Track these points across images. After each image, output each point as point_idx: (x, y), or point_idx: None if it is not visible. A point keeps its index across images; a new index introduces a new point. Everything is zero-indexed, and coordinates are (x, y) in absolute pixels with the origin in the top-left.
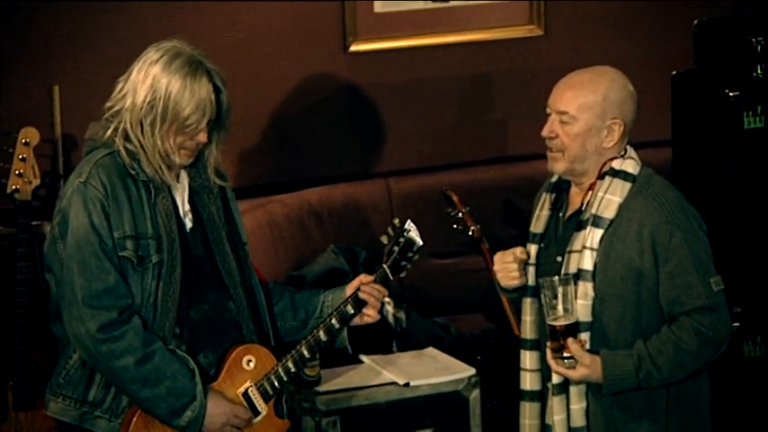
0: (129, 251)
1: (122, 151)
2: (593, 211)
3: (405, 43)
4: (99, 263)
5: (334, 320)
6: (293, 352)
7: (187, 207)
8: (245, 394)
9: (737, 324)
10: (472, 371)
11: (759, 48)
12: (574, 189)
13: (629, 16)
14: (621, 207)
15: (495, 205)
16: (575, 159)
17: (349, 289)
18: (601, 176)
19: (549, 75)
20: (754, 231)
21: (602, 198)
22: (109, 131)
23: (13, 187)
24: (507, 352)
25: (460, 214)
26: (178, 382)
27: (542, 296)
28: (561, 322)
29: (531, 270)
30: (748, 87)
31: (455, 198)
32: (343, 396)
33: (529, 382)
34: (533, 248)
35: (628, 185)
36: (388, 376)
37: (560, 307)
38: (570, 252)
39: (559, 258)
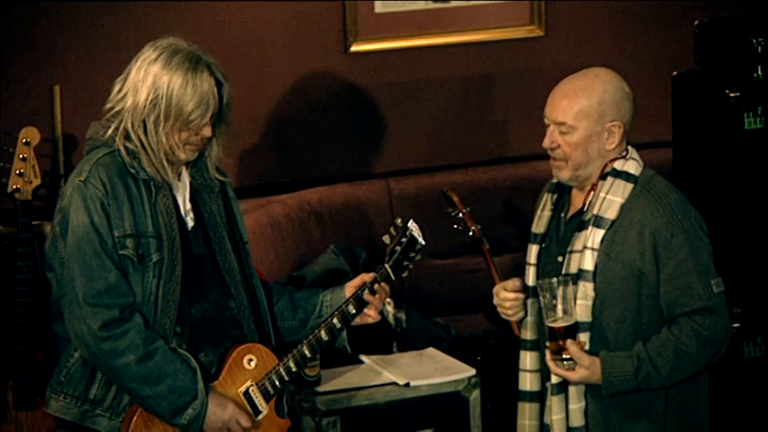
0: (129, 250)
1: (122, 150)
2: (595, 211)
3: (406, 44)
4: (100, 261)
5: (335, 320)
6: (294, 351)
7: (188, 206)
8: (246, 393)
9: (738, 325)
10: (472, 371)
11: (760, 49)
12: (575, 189)
13: (629, 17)
14: (623, 208)
15: (496, 206)
16: (579, 166)
17: (349, 288)
18: (603, 177)
19: (549, 75)
20: (754, 232)
21: (604, 199)
22: (110, 131)
23: (14, 187)
24: (507, 352)
25: (461, 214)
26: (179, 381)
27: (541, 297)
28: (560, 323)
29: (533, 270)
30: (749, 88)
31: (455, 198)
32: (344, 396)
33: (528, 382)
34: (535, 248)
35: (629, 186)
36: (388, 376)
37: (559, 308)
38: (571, 252)
39: (560, 259)
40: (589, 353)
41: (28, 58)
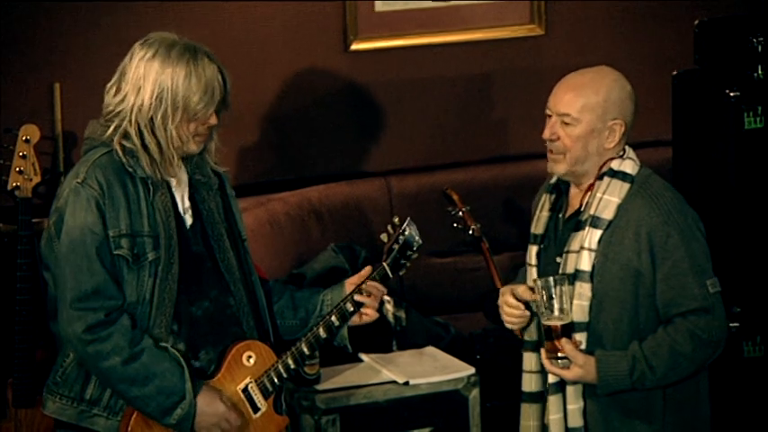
0: (124, 250)
1: (119, 150)
2: (592, 211)
3: (406, 42)
4: (89, 264)
5: (333, 318)
6: (293, 349)
7: (187, 203)
8: (245, 390)
9: (737, 324)
10: (472, 370)
11: (760, 48)
12: (573, 190)
13: (629, 16)
14: (620, 208)
15: (496, 204)
16: (576, 161)
17: (349, 284)
18: (599, 177)
19: (549, 74)
20: (754, 231)
21: (601, 199)
22: (109, 131)
23: (14, 184)
24: (507, 351)
25: (461, 213)
26: (167, 381)
27: (537, 296)
28: (556, 323)
29: (533, 271)
30: (749, 88)
31: (455, 197)
32: (343, 394)
33: (530, 383)
34: (534, 249)
35: (626, 186)
36: (387, 375)
37: (555, 307)
38: (568, 252)
39: (558, 259)
40: (585, 353)
41: (28, 56)
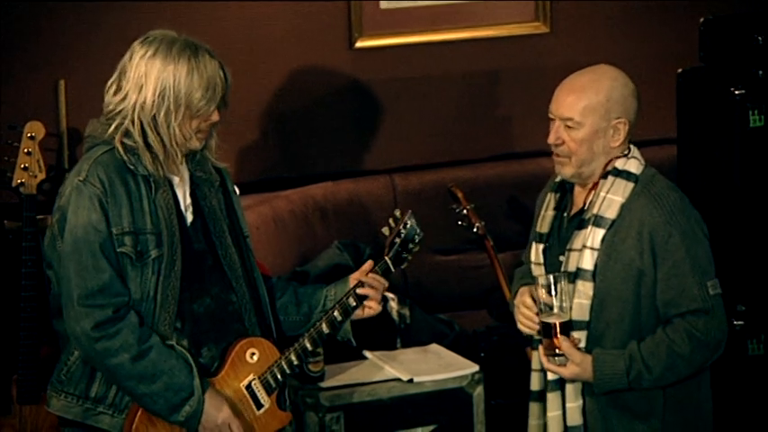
0: (127, 247)
1: (119, 148)
2: (595, 210)
3: (410, 40)
4: (95, 261)
5: (336, 313)
6: (296, 345)
7: (188, 201)
8: (249, 387)
9: (742, 322)
10: (476, 367)
11: (765, 46)
12: (578, 188)
13: (634, 14)
14: (623, 207)
15: (500, 202)
16: (583, 163)
17: (352, 280)
18: (603, 176)
19: (554, 72)
20: (758, 229)
21: (605, 198)
22: (110, 129)
23: (19, 181)
24: (511, 349)
25: (465, 211)
26: (175, 378)
27: (538, 293)
28: (554, 320)
29: (541, 270)
30: (754, 86)
31: (460, 195)
32: (347, 392)
33: (538, 382)
34: (540, 248)
35: (630, 185)
36: (391, 372)
37: (555, 305)
38: (570, 251)
39: (562, 258)
40: (585, 351)
41: (33, 53)
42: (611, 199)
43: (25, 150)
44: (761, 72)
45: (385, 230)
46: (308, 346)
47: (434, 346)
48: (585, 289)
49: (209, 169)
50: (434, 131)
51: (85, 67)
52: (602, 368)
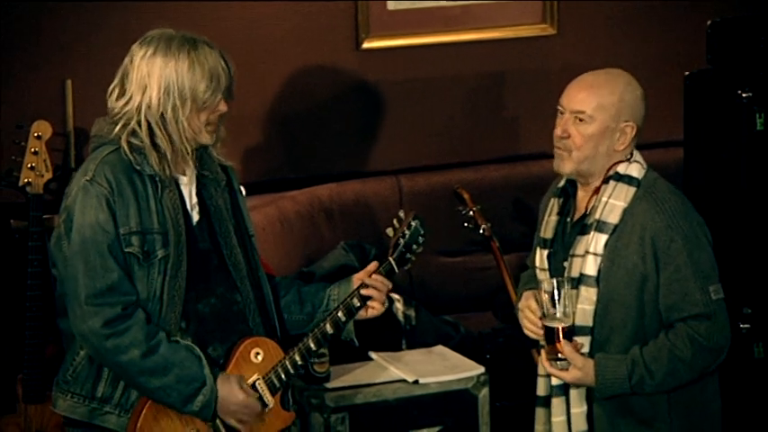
0: (134, 247)
1: (125, 148)
2: (597, 216)
3: (417, 41)
4: (103, 261)
5: (340, 313)
6: (300, 345)
7: (195, 200)
8: (253, 387)
9: (748, 325)
10: (481, 369)
11: None
12: (581, 193)
13: (642, 16)
14: (625, 212)
15: (506, 204)
16: (584, 160)
17: (356, 280)
18: (605, 180)
19: (561, 74)
20: (764, 232)
21: (606, 203)
22: (116, 129)
23: (26, 180)
24: (516, 351)
25: (471, 212)
26: (186, 369)
27: (541, 297)
28: (557, 324)
29: (546, 275)
30: (761, 88)
31: (466, 196)
32: (352, 393)
33: (544, 387)
34: (545, 253)
35: (632, 190)
36: (397, 373)
37: (557, 310)
38: (573, 256)
39: (566, 263)
40: (588, 356)
41: (40, 53)
42: (614, 204)
43: (32, 150)
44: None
45: (389, 231)
46: (313, 346)
47: (440, 348)
48: (589, 294)
49: (216, 168)
50: (441, 133)
51: (93, 67)
52: (603, 373)
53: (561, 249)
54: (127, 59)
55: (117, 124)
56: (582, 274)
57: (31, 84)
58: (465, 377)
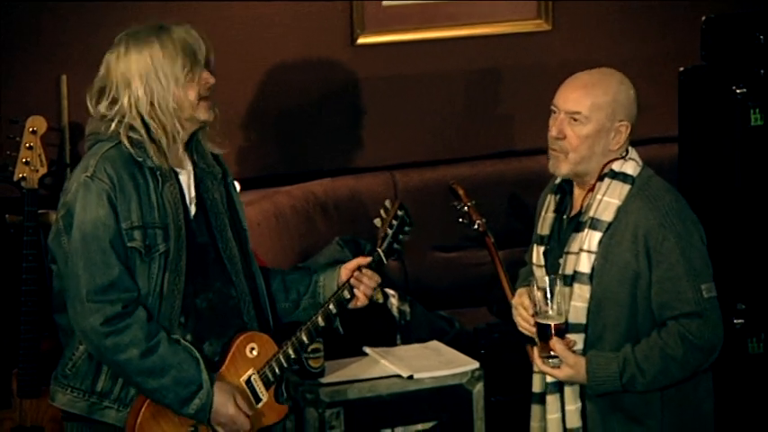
0: (137, 242)
1: (126, 142)
2: (592, 213)
3: (412, 37)
4: (104, 257)
5: (331, 306)
6: (293, 338)
7: (193, 193)
8: (248, 382)
9: (742, 321)
10: (476, 364)
11: (767, 45)
12: (577, 190)
13: (636, 12)
14: (620, 210)
15: (501, 199)
16: (580, 161)
17: (345, 271)
18: (600, 178)
19: (556, 70)
20: (758, 228)
21: (601, 200)
22: (113, 126)
23: (20, 175)
24: (511, 346)
25: (466, 208)
26: (184, 372)
27: (534, 295)
28: (549, 322)
29: (541, 272)
30: (755, 84)
31: (461, 192)
32: (347, 388)
33: (539, 384)
34: (540, 250)
35: (627, 187)
36: (391, 369)
37: (550, 307)
38: (567, 253)
39: (561, 260)
40: (581, 354)
41: (35, 48)
42: (608, 201)
43: (27, 145)
44: (762, 71)
45: (377, 222)
46: (305, 339)
47: (434, 343)
48: (582, 292)
49: (212, 161)
50: (435, 128)
51: (88, 63)
52: (595, 371)
53: (557, 246)
54: (102, 68)
55: (112, 122)
56: (576, 272)
57: (26, 79)
58: (459, 372)
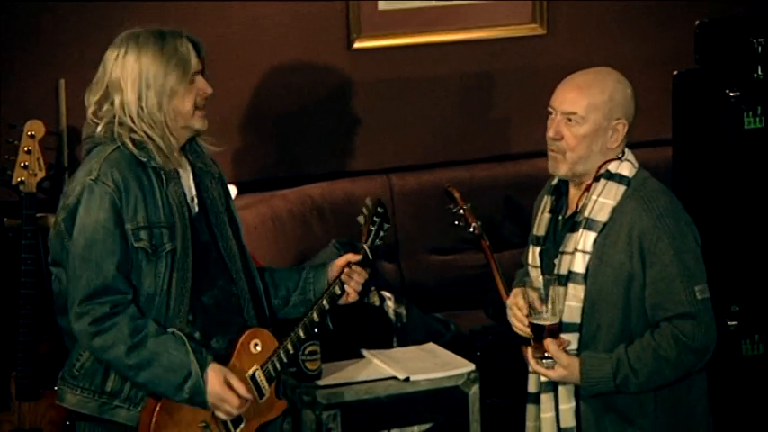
0: (144, 242)
1: (129, 143)
2: (587, 214)
3: (408, 41)
4: (99, 261)
5: (324, 302)
6: (291, 334)
7: (194, 192)
8: (253, 377)
9: (735, 322)
10: (471, 366)
11: (760, 49)
12: (573, 191)
13: (631, 16)
14: (614, 210)
15: (497, 202)
16: (578, 160)
17: (335, 267)
18: (596, 179)
19: (551, 73)
20: (752, 230)
21: (596, 201)
22: (111, 129)
23: (19, 179)
24: (506, 348)
25: (462, 211)
26: (173, 358)
27: (529, 295)
28: (543, 322)
29: (536, 273)
30: (749, 88)
31: (456, 195)
32: (344, 390)
33: (535, 384)
34: (537, 250)
35: (622, 188)
36: (388, 371)
37: (544, 308)
38: (562, 253)
39: (556, 260)
40: (575, 354)
41: (33, 52)
42: (603, 202)
43: (25, 149)
44: (755, 75)
45: (360, 219)
46: (302, 334)
47: (431, 345)
48: (577, 292)
49: (209, 161)
50: (431, 132)
51: (86, 67)
52: (589, 371)
53: (553, 246)
54: (101, 67)
55: (109, 124)
56: (570, 272)
57: (24, 83)
58: (455, 374)
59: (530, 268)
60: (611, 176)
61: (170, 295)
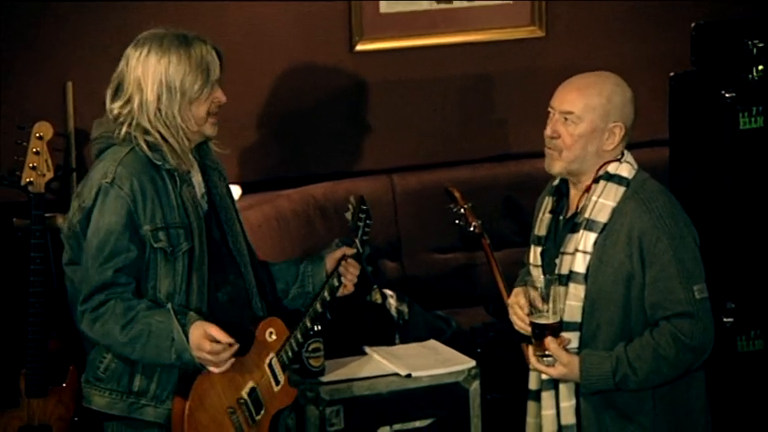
0: (162, 242)
1: (143, 146)
2: (587, 214)
3: (409, 43)
4: (105, 262)
5: (325, 293)
6: (300, 324)
7: (203, 190)
8: (270, 365)
9: (731, 319)
10: (472, 363)
11: (755, 50)
12: (573, 191)
13: (628, 19)
14: (614, 211)
15: (497, 202)
16: (574, 160)
17: (330, 260)
18: (596, 180)
19: (549, 75)
20: (748, 230)
21: (596, 202)
22: (123, 130)
23: (27, 180)
24: (507, 345)
25: (462, 210)
26: (159, 325)
27: (530, 294)
28: (545, 321)
29: (538, 272)
30: (744, 89)
31: (457, 194)
32: (347, 386)
33: (535, 381)
34: (538, 250)
35: (621, 189)
36: (390, 367)
37: (545, 307)
38: (563, 254)
39: (557, 260)
40: (575, 352)
41: (41, 55)
42: (603, 203)
43: (34, 150)
44: (750, 76)
45: (348, 215)
46: (309, 324)
47: (432, 342)
48: (577, 291)
49: (215, 159)
50: (433, 133)
51: (93, 69)
52: (588, 370)
53: (553, 247)
54: (122, 63)
55: (123, 125)
56: (571, 271)
57: (32, 85)
58: (456, 371)
59: (531, 268)
60: (610, 178)
61: (189, 293)
